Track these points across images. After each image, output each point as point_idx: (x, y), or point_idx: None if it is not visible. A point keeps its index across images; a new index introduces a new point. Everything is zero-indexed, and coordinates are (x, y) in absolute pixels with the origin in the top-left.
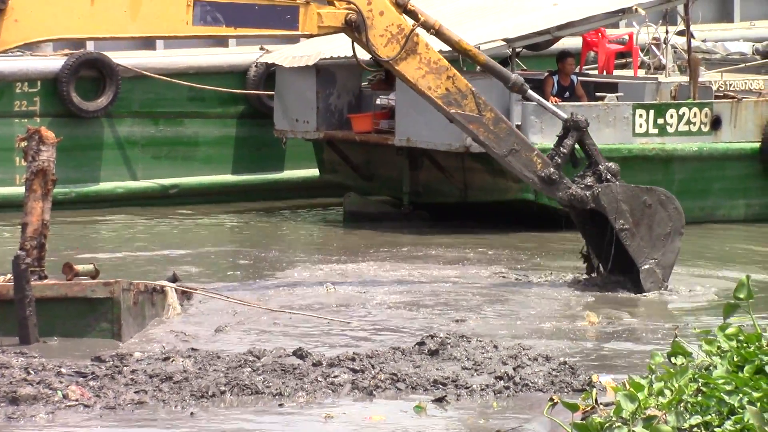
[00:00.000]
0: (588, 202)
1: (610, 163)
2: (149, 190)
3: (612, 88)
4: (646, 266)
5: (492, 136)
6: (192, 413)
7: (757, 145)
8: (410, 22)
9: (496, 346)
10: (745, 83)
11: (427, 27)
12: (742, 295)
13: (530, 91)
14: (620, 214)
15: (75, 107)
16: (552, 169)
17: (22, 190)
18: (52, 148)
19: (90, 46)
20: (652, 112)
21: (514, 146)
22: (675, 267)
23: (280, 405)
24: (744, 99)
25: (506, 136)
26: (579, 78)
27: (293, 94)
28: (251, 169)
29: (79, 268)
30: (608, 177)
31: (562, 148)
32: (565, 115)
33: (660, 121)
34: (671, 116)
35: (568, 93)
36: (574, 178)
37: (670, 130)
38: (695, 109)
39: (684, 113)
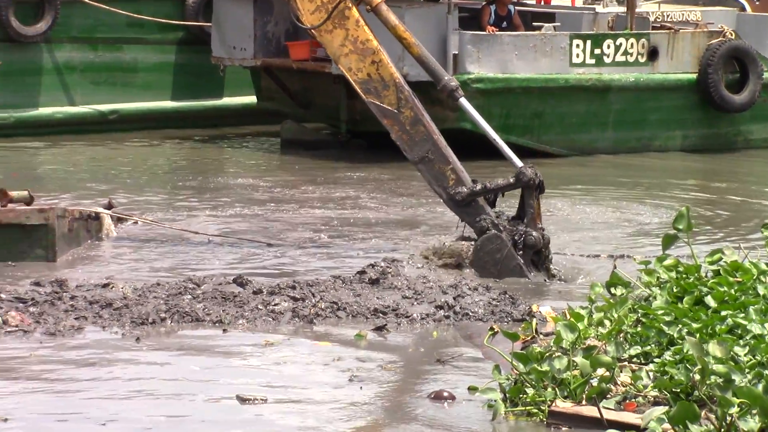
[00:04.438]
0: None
1: (535, 233)
2: (88, 116)
3: (549, 17)
4: None
5: (406, 137)
6: (137, 339)
7: (694, 76)
8: None
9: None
10: (683, 14)
11: (366, 1)
12: (681, 226)
13: (463, 100)
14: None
15: (14, 32)
16: (464, 190)
17: None
18: None
19: None
20: (589, 42)
21: (427, 154)
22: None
23: (224, 331)
24: (681, 30)
25: (422, 140)
26: (516, 8)
27: (231, 22)
28: (190, 95)
29: (14, 194)
30: (517, 238)
31: (491, 182)
32: (519, 163)
33: (597, 51)
34: (608, 47)
35: (505, 23)
36: (504, 216)
37: (607, 60)
38: (632, 40)
39: (621, 44)
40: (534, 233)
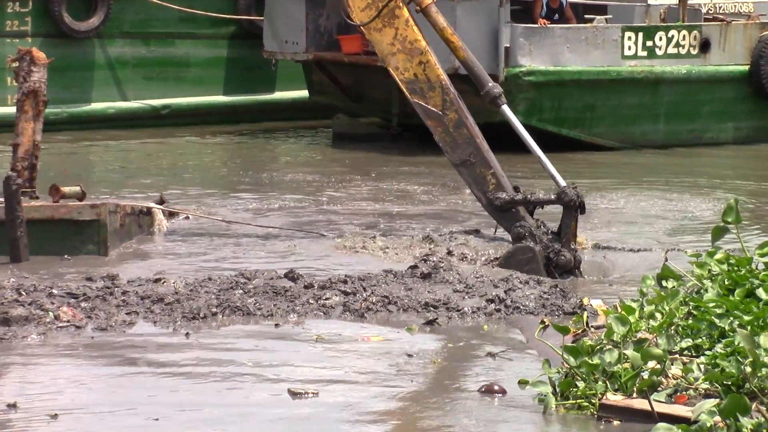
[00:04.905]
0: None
1: (568, 254)
2: (140, 111)
3: (601, 10)
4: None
5: (448, 139)
6: (187, 334)
7: (746, 68)
8: None
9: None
10: (735, 6)
11: (416, 2)
12: (730, 219)
13: (505, 107)
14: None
15: (66, 27)
16: (503, 196)
17: (13, 110)
18: (43, 69)
19: None
20: (641, 34)
21: (469, 158)
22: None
23: (276, 325)
24: (733, 21)
25: (464, 143)
26: (568, 0)
27: (282, 16)
28: (242, 90)
29: (66, 189)
30: (551, 255)
31: (533, 194)
32: (562, 183)
33: (649, 43)
34: (660, 39)
35: (557, 15)
36: (543, 228)
37: (658, 52)
38: (684, 32)
39: (673, 36)
40: (566, 254)
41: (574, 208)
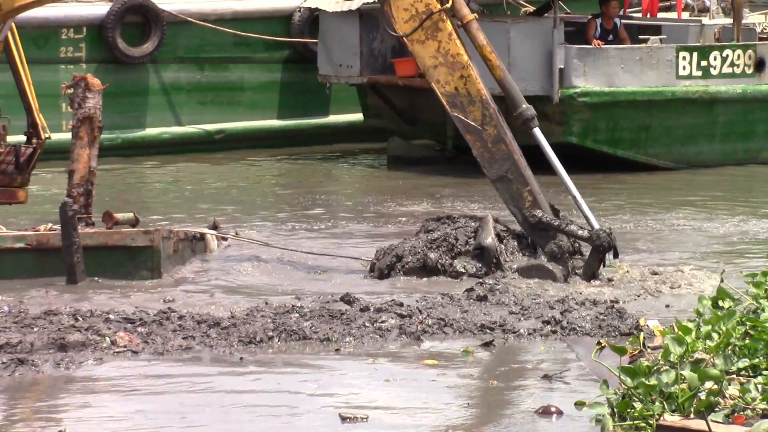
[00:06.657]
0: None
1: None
2: (195, 136)
3: (655, 30)
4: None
5: (487, 155)
6: (241, 358)
7: None
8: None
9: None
10: None
11: (458, 17)
12: None
13: (536, 131)
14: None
15: (120, 53)
16: (539, 214)
17: (68, 136)
18: (98, 95)
19: None
20: (695, 54)
21: (506, 174)
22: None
23: (337, 350)
24: None
25: (502, 159)
26: (622, 21)
27: (337, 39)
28: (296, 114)
29: (119, 216)
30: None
31: (572, 225)
32: (596, 225)
33: (703, 63)
34: (715, 58)
35: (611, 36)
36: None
37: (713, 72)
38: (739, 51)
39: (728, 55)
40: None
41: (602, 253)
